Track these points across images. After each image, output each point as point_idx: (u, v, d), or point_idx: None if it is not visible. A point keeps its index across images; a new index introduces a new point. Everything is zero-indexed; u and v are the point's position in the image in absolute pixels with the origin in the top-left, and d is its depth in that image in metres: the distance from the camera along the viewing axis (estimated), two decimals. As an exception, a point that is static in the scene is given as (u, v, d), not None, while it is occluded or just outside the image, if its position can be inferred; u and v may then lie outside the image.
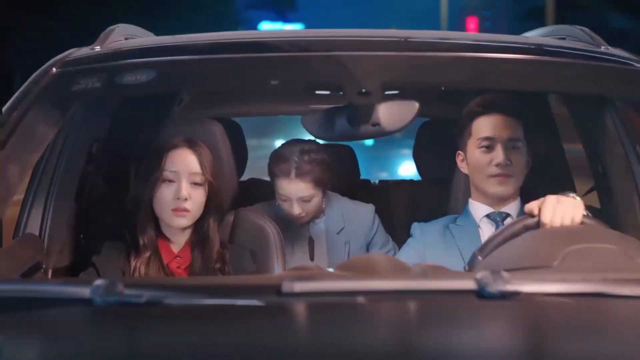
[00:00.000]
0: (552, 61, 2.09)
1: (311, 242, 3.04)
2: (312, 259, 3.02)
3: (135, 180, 2.43)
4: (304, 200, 2.88)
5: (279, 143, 3.06)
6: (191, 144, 2.42)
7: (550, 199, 2.06)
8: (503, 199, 2.50)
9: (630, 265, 1.65)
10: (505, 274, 1.38)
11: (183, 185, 2.37)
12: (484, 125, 2.47)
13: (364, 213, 3.09)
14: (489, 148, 2.45)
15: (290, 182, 2.83)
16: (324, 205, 3.03)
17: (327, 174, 2.91)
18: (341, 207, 3.08)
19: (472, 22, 28.64)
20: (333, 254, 3.01)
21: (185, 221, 2.39)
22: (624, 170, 2.50)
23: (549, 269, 1.61)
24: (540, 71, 2.12)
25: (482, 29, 30.07)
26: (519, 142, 2.46)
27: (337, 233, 3.03)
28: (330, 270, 1.55)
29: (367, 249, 3.06)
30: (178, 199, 2.36)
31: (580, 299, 1.41)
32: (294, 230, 3.02)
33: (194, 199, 2.38)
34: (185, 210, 2.37)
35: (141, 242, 2.39)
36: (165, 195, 2.37)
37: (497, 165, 2.43)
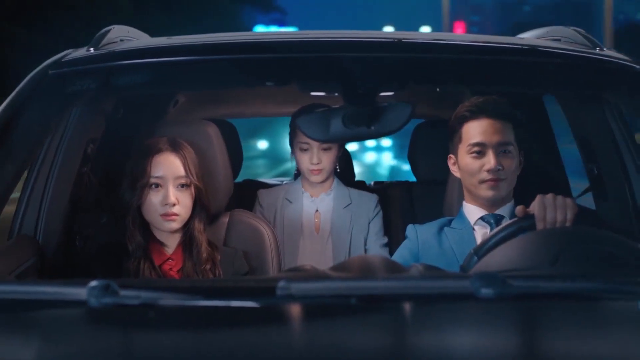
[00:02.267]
0: (547, 62, 2.09)
1: (318, 215, 3.18)
2: (317, 230, 3.16)
3: (123, 184, 2.42)
4: (324, 148, 3.08)
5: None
6: (175, 147, 2.41)
7: (541, 199, 2.06)
8: (496, 202, 2.50)
9: (625, 266, 1.66)
10: (501, 275, 1.38)
11: (170, 191, 2.36)
12: (474, 131, 2.46)
13: (368, 197, 3.25)
14: (480, 154, 2.45)
15: None
16: (337, 169, 3.20)
17: None
18: (348, 189, 3.25)
19: (459, 27, 28.84)
20: (338, 225, 3.16)
21: (175, 224, 2.39)
22: (619, 171, 2.51)
23: (545, 270, 1.62)
24: (535, 72, 2.12)
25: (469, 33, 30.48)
26: (510, 146, 2.45)
27: (344, 207, 3.18)
28: (326, 270, 1.55)
29: (368, 227, 3.19)
30: (166, 204, 2.36)
31: (575, 300, 1.41)
32: (303, 202, 3.18)
33: (182, 203, 2.38)
34: (174, 214, 2.37)
35: (130, 248, 2.38)
36: (153, 201, 2.37)
37: (489, 171, 2.43)
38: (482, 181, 2.44)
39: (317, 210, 3.18)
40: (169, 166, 2.38)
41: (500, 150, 2.44)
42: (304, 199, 3.19)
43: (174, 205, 2.36)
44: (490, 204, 2.50)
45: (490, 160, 2.42)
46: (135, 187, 2.37)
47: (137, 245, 2.38)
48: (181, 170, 2.39)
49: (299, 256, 3.11)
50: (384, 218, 3.31)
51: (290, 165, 3.28)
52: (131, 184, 2.38)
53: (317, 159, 3.08)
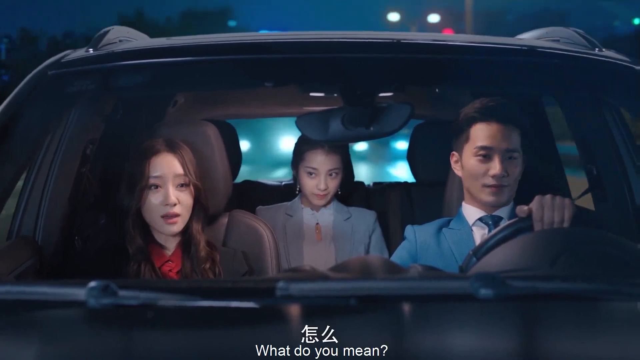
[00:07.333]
0: (546, 63, 2.09)
1: (318, 227, 3.20)
2: (319, 238, 3.18)
3: (122, 188, 2.41)
4: (331, 174, 3.10)
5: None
6: (172, 147, 2.41)
7: (539, 200, 2.06)
8: (496, 207, 2.49)
9: (624, 267, 1.66)
10: (500, 276, 1.38)
11: (170, 191, 2.36)
12: (483, 134, 2.44)
13: (367, 213, 3.28)
14: (486, 157, 2.43)
15: (322, 154, 3.07)
16: (338, 191, 3.22)
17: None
18: (347, 207, 3.28)
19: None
20: (340, 233, 3.18)
21: (177, 227, 2.38)
22: (618, 172, 2.51)
23: (544, 271, 1.62)
24: (534, 73, 2.12)
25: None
26: (516, 153, 2.43)
27: (344, 220, 3.21)
28: (325, 271, 1.55)
29: (369, 239, 3.20)
30: (167, 204, 2.35)
31: (574, 300, 1.41)
32: (303, 215, 3.22)
33: (182, 202, 2.38)
34: (176, 215, 2.36)
35: (130, 251, 2.37)
36: (153, 202, 2.36)
37: (493, 176, 2.41)
38: (486, 185, 2.43)
39: (317, 223, 3.20)
40: (168, 166, 2.38)
41: (507, 156, 2.42)
42: (304, 212, 3.21)
43: (174, 205, 2.35)
44: (490, 207, 2.49)
45: (496, 165, 2.40)
46: (133, 190, 2.36)
47: (137, 248, 2.37)
48: (179, 169, 2.38)
49: (301, 263, 3.12)
50: (383, 219, 3.31)
51: (277, 173, 3.30)
52: (129, 187, 2.37)
53: (324, 185, 3.09)
